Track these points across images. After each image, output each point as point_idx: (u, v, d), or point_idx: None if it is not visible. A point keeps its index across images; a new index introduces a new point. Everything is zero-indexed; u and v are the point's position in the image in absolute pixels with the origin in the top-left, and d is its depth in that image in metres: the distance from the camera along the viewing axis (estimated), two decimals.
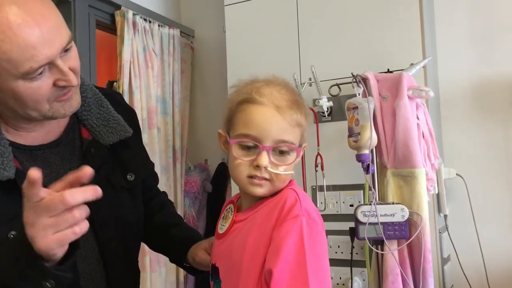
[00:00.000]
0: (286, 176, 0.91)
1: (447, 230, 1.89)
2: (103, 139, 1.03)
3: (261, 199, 0.93)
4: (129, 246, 1.10)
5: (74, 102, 0.94)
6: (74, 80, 0.89)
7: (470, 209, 1.93)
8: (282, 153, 0.90)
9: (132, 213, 1.09)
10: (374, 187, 1.49)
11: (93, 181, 0.97)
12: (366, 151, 1.41)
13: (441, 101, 2.06)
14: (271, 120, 0.88)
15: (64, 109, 0.92)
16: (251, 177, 0.89)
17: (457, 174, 1.92)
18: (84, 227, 0.77)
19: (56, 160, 0.98)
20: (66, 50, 0.88)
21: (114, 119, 1.06)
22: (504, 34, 1.98)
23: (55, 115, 0.92)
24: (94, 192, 0.76)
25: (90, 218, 0.96)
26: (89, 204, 0.96)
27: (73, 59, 0.91)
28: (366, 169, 1.42)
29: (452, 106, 2.05)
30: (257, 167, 0.88)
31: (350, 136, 1.47)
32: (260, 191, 0.90)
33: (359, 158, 1.42)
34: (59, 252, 0.77)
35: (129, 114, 1.15)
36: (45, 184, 0.90)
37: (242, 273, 0.87)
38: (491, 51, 1.99)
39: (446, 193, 1.87)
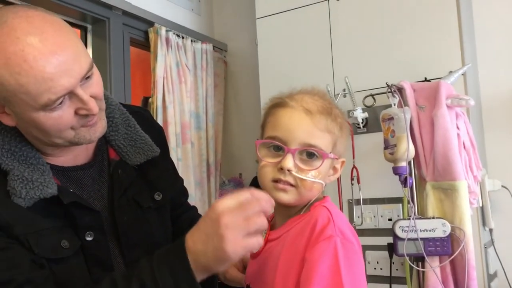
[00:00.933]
0: (312, 184, 0.87)
1: (493, 245, 1.79)
2: (130, 160, 1.03)
3: (294, 216, 0.89)
4: None
5: (99, 127, 0.93)
6: (95, 108, 0.87)
7: None
8: (309, 158, 0.86)
9: (160, 233, 1.08)
10: (413, 201, 1.44)
11: (120, 202, 0.99)
12: (403, 164, 1.35)
13: (483, 109, 1.97)
14: (299, 122, 0.86)
15: (90, 135, 0.92)
16: (275, 181, 0.86)
17: (502, 186, 1.82)
18: (261, 240, 0.78)
19: (88, 182, 0.99)
20: (87, 77, 0.87)
21: (142, 138, 1.05)
22: None
23: (81, 141, 0.92)
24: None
25: (118, 240, 0.98)
26: (117, 225, 0.98)
27: (94, 86, 0.89)
28: (404, 182, 1.37)
29: (495, 115, 1.96)
30: (281, 169, 0.85)
31: (386, 148, 1.42)
32: (284, 197, 0.86)
33: (396, 171, 1.37)
34: (226, 265, 0.78)
35: (157, 132, 1.14)
36: (82, 197, 0.93)
37: None
38: None
39: (491, 205, 1.78)
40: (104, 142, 1.04)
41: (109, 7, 1.96)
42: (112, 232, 0.98)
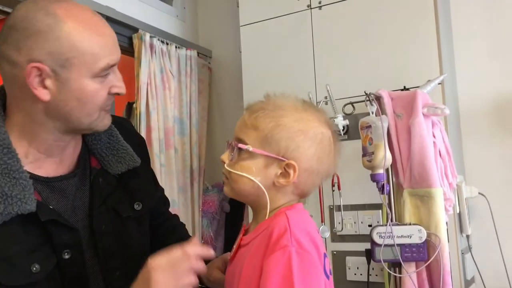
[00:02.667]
0: (237, 177, 0.89)
1: (470, 251, 1.82)
2: (111, 169, 1.04)
3: (261, 221, 0.91)
4: (133, 276, 1.09)
5: (109, 117, 1.01)
6: (125, 88, 0.98)
7: (494, 228, 1.86)
8: (239, 152, 0.90)
9: (138, 243, 1.09)
10: (390, 208, 1.46)
11: (100, 211, 1.01)
12: (380, 171, 1.38)
13: (461, 117, 2.01)
14: (240, 119, 0.94)
15: (103, 122, 0.99)
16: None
17: (479, 193, 1.86)
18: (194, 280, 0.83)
19: (72, 191, 1.00)
20: None
21: (123, 148, 1.07)
22: None
23: (99, 126, 0.98)
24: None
25: (95, 248, 0.99)
26: (95, 234, 0.99)
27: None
28: (381, 189, 1.39)
29: (472, 123, 1.99)
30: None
31: (364, 155, 1.44)
32: (224, 189, 0.94)
33: (374, 178, 1.40)
34: None
35: (138, 142, 1.16)
36: (62, 214, 0.95)
37: None
38: (511, 66, 1.94)
39: (468, 212, 1.81)
40: (86, 151, 1.05)
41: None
42: (90, 240, 0.99)
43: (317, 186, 0.95)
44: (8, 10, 1.74)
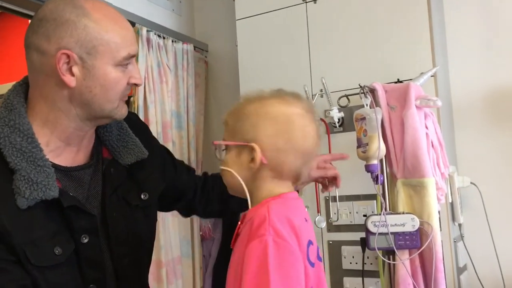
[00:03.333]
0: (222, 173, 0.97)
1: (462, 239, 1.87)
2: (122, 159, 1.11)
3: (249, 210, 0.95)
4: (141, 262, 1.16)
5: (126, 106, 1.08)
6: (142, 80, 1.08)
7: (485, 217, 1.91)
8: (220, 150, 0.98)
9: (145, 230, 1.16)
10: (384, 197, 1.50)
11: (111, 199, 1.07)
12: (375, 162, 1.41)
13: (453, 109, 2.05)
14: None
15: (121, 111, 1.06)
16: None
17: (471, 183, 1.90)
18: None
19: (87, 180, 1.07)
20: None
21: (133, 140, 1.14)
22: None
23: (117, 115, 1.05)
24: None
25: (106, 234, 1.05)
26: (107, 220, 1.06)
27: None
28: (375, 180, 1.43)
29: (465, 114, 2.03)
30: None
31: (358, 146, 1.48)
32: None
33: (368, 168, 1.43)
34: None
35: (143, 133, 1.22)
36: (80, 201, 1.01)
37: None
38: (503, 58, 1.98)
39: (461, 201, 1.85)
40: (99, 143, 1.13)
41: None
42: (102, 228, 1.06)
43: (298, 165, 0.94)
44: (7, 5, 1.77)
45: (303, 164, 0.95)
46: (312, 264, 0.89)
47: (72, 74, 0.96)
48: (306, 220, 0.94)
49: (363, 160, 1.46)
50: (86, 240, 1.00)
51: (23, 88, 1.04)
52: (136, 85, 1.04)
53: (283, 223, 0.84)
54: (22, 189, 0.92)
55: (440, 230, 1.47)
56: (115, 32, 0.98)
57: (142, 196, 1.13)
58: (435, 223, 1.41)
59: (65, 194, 0.98)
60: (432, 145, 1.45)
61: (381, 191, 1.50)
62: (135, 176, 1.13)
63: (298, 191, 1.13)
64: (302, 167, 0.95)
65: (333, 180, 1.34)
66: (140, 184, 1.14)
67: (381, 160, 1.48)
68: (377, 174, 1.43)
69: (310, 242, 0.90)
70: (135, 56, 1.03)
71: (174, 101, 2.30)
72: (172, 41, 2.32)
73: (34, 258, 0.92)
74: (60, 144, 1.03)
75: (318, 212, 1.89)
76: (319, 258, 0.95)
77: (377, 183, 1.43)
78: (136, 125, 1.21)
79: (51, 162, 0.99)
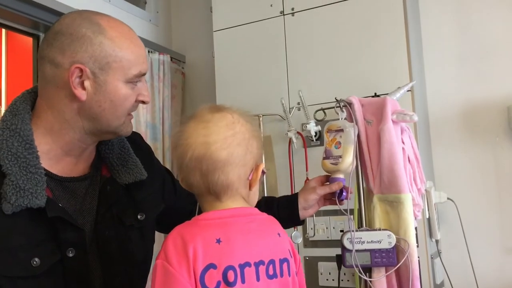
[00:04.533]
0: None
1: (440, 255, 1.85)
2: (119, 178, 1.10)
3: None
4: (134, 283, 1.12)
5: (131, 124, 1.09)
6: (150, 98, 1.11)
7: (462, 233, 1.90)
8: None
9: (140, 251, 1.13)
10: (360, 213, 1.47)
11: (104, 217, 1.06)
12: (342, 175, 1.39)
13: (430, 123, 2.05)
14: None
15: (129, 127, 1.08)
16: None
17: (448, 198, 1.89)
18: None
19: (82, 193, 1.06)
20: None
21: (133, 161, 1.14)
22: (492, 55, 1.98)
23: (123, 131, 1.06)
24: None
25: (99, 253, 1.04)
26: (99, 239, 1.04)
27: None
28: (338, 195, 1.40)
29: (442, 129, 2.03)
30: None
31: (327, 158, 1.44)
32: None
33: (335, 181, 1.40)
34: None
35: (145, 154, 1.22)
36: (71, 213, 1.00)
37: None
38: (479, 73, 1.99)
39: (438, 217, 1.84)
40: (99, 160, 1.13)
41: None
42: (95, 245, 1.04)
43: (200, 179, 0.92)
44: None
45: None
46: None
47: (84, 88, 0.98)
48: (216, 242, 0.87)
49: (328, 173, 1.44)
50: (71, 254, 0.98)
51: (31, 96, 1.05)
52: (143, 102, 1.05)
53: (176, 247, 0.86)
54: (8, 194, 0.91)
55: (417, 246, 1.44)
56: (129, 50, 1.01)
57: (139, 216, 1.12)
58: (412, 239, 1.38)
59: (53, 204, 0.97)
60: (409, 160, 1.43)
61: (358, 206, 1.47)
62: (134, 196, 1.13)
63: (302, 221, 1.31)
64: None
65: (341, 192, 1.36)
66: (137, 204, 1.13)
67: (358, 175, 1.45)
68: (341, 190, 1.40)
69: (211, 266, 0.85)
70: (145, 74, 1.05)
71: (149, 112, 2.25)
72: (149, 52, 2.28)
73: (2, 267, 0.90)
74: (60, 152, 1.03)
75: (294, 228, 1.85)
76: (269, 277, 0.90)
77: (339, 198, 1.40)
78: (138, 145, 1.22)
79: (47, 170, 0.98)
